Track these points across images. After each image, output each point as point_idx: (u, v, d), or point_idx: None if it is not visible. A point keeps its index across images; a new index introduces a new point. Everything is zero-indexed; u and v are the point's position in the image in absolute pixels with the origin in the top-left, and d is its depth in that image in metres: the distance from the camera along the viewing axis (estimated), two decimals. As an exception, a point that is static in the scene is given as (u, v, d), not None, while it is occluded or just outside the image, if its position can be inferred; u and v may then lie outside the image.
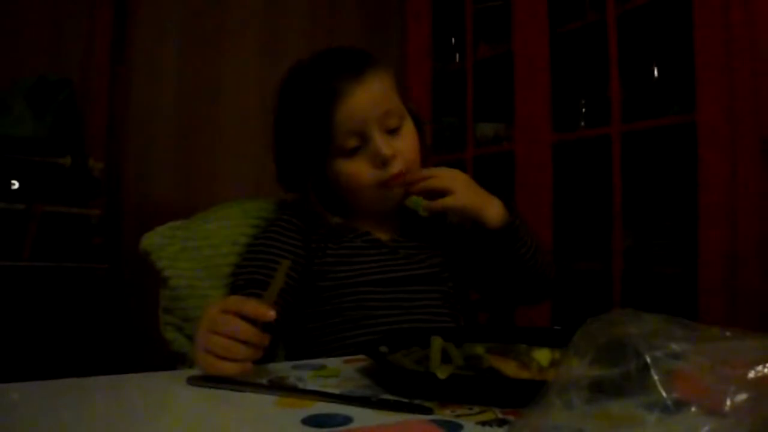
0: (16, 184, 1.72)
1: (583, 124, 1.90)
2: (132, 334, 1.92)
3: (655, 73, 1.72)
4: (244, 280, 0.84)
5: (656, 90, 1.71)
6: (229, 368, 0.58)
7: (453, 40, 2.31)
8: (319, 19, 2.40)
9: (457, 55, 2.27)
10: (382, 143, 0.85)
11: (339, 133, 0.85)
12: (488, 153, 2.08)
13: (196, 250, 0.92)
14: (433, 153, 2.13)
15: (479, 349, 0.61)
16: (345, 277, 0.88)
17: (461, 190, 0.87)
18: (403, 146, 0.88)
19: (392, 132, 0.87)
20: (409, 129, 0.90)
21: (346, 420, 0.47)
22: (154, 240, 0.91)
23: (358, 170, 0.87)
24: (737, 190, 1.38)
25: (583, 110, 1.91)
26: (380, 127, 0.86)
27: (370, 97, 0.85)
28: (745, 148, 1.38)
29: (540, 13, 1.86)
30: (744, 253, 1.37)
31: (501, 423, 0.46)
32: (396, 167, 0.86)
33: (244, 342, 0.59)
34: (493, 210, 0.87)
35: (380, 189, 0.87)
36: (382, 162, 0.85)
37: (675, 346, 0.35)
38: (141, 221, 2.03)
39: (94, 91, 2.05)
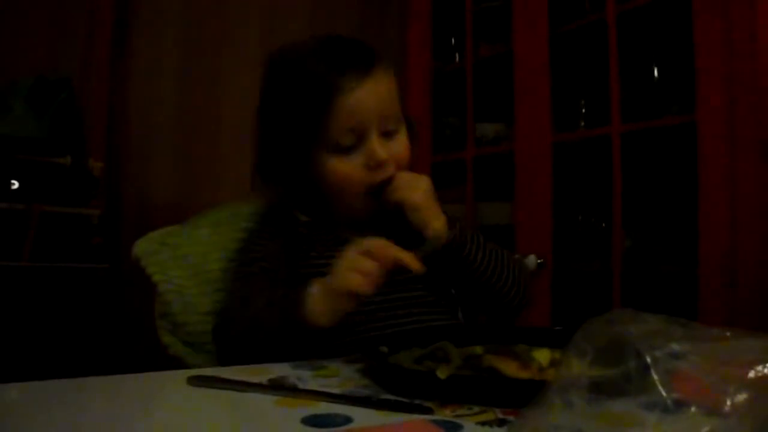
0: (16, 184, 1.71)
1: (583, 124, 1.90)
2: (132, 334, 1.91)
3: (655, 73, 1.72)
4: (243, 273, 0.85)
5: (656, 90, 1.70)
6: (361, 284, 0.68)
7: (453, 40, 2.31)
8: (319, 19, 2.40)
9: (457, 55, 2.27)
10: (378, 145, 0.83)
11: (336, 128, 0.82)
12: (488, 153, 2.08)
13: (185, 258, 0.92)
14: (433, 153, 2.15)
15: (479, 349, 0.61)
16: None
17: (424, 203, 0.83)
18: (398, 151, 0.86)
19: (388, 135, 0.85)
20: (403, 135, 0.88)
21: (346, 420, 0.47)
22: (145, 246, 0.91)
23: (351, 171, 0.84)
24: (737, 191, 1.38)
25: (583, 110, 1.90)
26: (378, 128, 0.84)
27: (375, 95, 0.83)
28: (745, 148, 1.38)
29: (540, 13, 1.85)
30: (744, 253, 1.37)
31: (501, 423, 0.47)
32: (388, 172, 0.84)
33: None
34: (438, 224, 0.83)
35: (368, 196, 0.85)
36: (376, 165, 0.83)
37: (675, 346, 0.35)
38: (141, 221, 2.03)
39: (94, 91, 2.04)
